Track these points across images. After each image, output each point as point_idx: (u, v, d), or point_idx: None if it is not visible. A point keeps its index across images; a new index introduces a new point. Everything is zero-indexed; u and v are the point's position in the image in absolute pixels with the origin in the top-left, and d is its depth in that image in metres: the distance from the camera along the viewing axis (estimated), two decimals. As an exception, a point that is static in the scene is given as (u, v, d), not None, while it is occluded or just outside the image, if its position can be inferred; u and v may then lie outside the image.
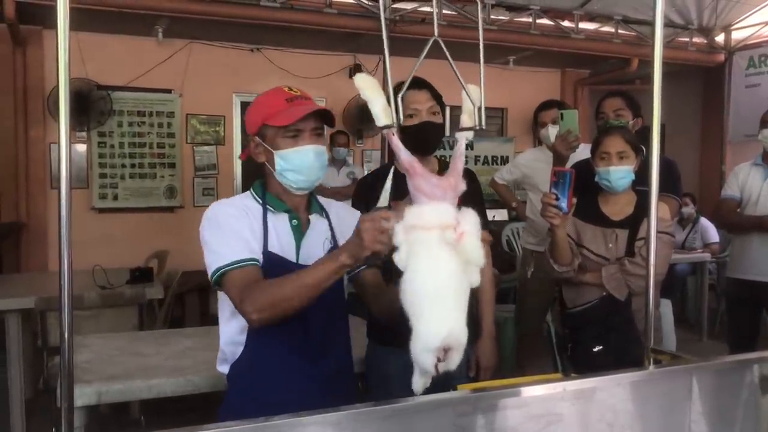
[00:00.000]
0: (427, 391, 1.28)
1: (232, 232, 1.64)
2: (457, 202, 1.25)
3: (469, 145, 7.98)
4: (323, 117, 1.72)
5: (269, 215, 1.72)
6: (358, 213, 1.90)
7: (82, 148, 6.22)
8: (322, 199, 1.86)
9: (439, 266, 1.18)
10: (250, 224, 1.67)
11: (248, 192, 1.79)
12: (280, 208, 1.74)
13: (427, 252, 1.18)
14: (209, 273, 1.64)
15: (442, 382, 2.26)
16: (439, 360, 1.18)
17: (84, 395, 2.12)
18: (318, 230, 1.77)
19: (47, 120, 6.04)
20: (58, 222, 1.21)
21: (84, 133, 6.19)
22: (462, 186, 1.26)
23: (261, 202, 1.74)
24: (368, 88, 1.27)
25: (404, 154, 1.26)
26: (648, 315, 1.62)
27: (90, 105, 6.07)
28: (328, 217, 1.81)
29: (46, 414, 3.64)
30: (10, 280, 4.71)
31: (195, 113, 6.63)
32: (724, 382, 1.44)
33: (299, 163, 1.68)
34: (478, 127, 1.32)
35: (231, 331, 1.73)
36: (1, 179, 6.04)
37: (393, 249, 1.24)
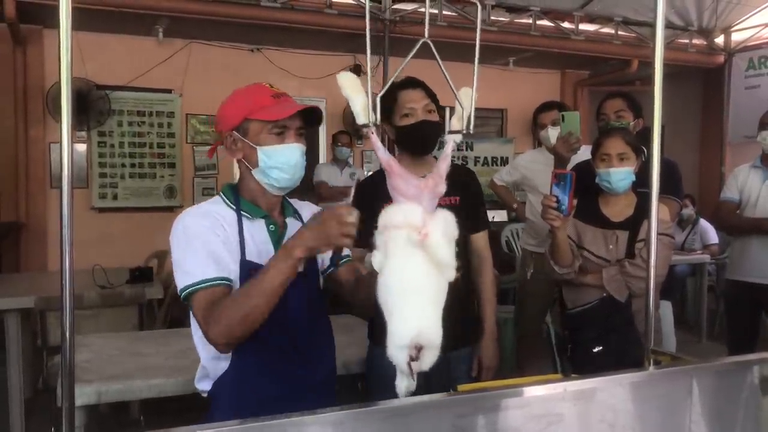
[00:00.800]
0: (428, 391, 1.28)
1: (202, 247, 1.56)
2: (435, 203, 1.25)
3: (469, 146, 7.96)
4: (306, 118, 1.67)
5: (245, 223, 1.64)
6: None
7: (82, 147, 6.21)
8: (293, 201, 1.80)
9: (410, 265, 1.18)
10: (225, 236, 1.59)
11: (217, 197, 1.71)
12: (257, 215, 1.67)
13: (398, 251, 1.19)
14: (178, 290, 1.58)
15: (443, 382, 2.26)
16: (412, 359, 1.17)
17: (84, 395, 2.12)
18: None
19: (47, 119, 6.03)
20: (59, 222, 1.21)
21: (84, 133, 6.18)
22: (442, 188, 1.26)
23: (234, 208, 1.66)
24: (349, 87, 1.27)
25: (382, 153, 1.28)
26: (648, 316, 1.62)
27: (89, 105, 6.06)
28: (301, 219, 1.76)
29: (46, 413, 3.64)
30: (10, 280, 4.71)
31: (195, 113, 6.63)
32: (725, 384, 1.44)
33: (285, 160, 1.62)
34: (465, 132, 1.33)
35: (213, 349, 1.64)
36: (1, 178, 6.04)
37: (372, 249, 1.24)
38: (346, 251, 1.79)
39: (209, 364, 1.68)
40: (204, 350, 1.68)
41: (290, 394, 1.65)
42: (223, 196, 1.70)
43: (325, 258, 1.77)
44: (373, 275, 1.25)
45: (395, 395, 1.26)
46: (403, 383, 1.25)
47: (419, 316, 1.18)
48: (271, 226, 1.68)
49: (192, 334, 1.71)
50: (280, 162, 1.63)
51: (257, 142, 1.62)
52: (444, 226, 1.21)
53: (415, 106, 2.18)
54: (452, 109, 1.35)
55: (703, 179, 8.04)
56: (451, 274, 1.21)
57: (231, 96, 1.70)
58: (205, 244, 1.57)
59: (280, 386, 1.65)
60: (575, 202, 2.35)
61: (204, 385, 1.71)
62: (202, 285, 1.53)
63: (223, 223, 1.62)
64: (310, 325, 1.72)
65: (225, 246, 1.59)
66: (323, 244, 1.37)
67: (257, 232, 1.66)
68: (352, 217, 1.34)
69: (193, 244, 1.57)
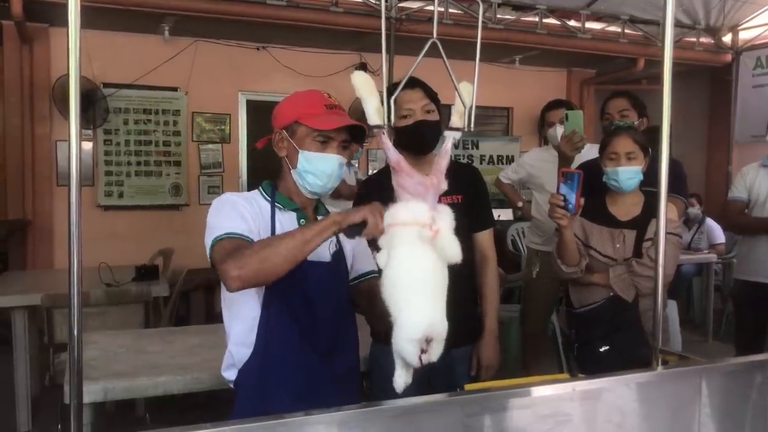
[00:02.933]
0: (431, 388, 1.29)
1: (235, 212, 1.65)
2: (437, 199, 1.29)
3: (475, 145, 7.93)
4: (353, 133, 1.76)
5: (277, 213, 1.74)
6: None
7: (88, 145, 6.21)
8: (328, 206, 1.88)
9: (417, 260, 1.22)
10: (256, 219, 1.67)
11: (256, 191, 1.80)
12: (289, 207, 1.76)
13: (405, 247, 1.23)
14: (207, 252, 1.62)
15: (445, 380, 2.25)
16: (422, 351, 1.21)
17: (90, 392, 2.12)
18: None
19: (54, 117, 6.04)
20: (67, 219, 1.21)
21: (90, 131, 6.19)
22: (444, 185, 1.30)
23: (270, 200, 1.76)
24: (363, 87, 1.30)
25: (392, 153, 1.31)
26: (656, 316, 1.61)
27: (95, 103, 6.08)
28: None
29: (52, 410, 3.65)
30: (17, 277, 4.73)
31: (201, 111, 6.63)
32: (733, 384, 1.43)
33: (322, 168, 1.71)
34: (466, 129, 1.34)
35: (240, 331, 1.71)
36: (7, 176, 6.05)
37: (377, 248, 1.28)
38: (374, 267, 1.85)
39: (236, 350, 1.72)
40: (232, 334, 1.74)
41: (312, 384, 1.69)
42: (261, 190, 1.80)
43: (356, 267, 1.84)
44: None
45: (399, 393, 1.27)
46: (402, 378, 1.29)
47: (430, 310, 1.21)
48: (302, 219, 1.76)
49: (226, 318, 1.77)
50: (317, 168, 1.71)
51: (301, 146, 1.72)
52: (449, 221, 1.26)
53: (413, 107, 2.18)
54: (447, 108, 1.37)
55: (710, 178, 8.01)
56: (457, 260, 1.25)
57: (290, 96, 1.80)
58: (238, 210, 1.66)
59: (303, 376, 1.69)
60: (583, 200, 2.35)
61: (230, 375, 1.75)
62: (229, 235, 1.59)
63: (258, 210, 1.71)
64: (335, 318, 1.76)
65: (254, 223, 1.66)
66: (356, 215, 1.40)
67: (287, 223, 1.73)
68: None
69: (227, 209, 1.66)
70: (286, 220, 1.74)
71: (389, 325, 1.24)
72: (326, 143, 1.71)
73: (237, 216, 1.64)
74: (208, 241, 1.62)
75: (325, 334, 1.72)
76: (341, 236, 1.78)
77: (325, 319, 1.72)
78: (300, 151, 1.71)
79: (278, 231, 1.70)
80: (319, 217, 1.81)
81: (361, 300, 1.86)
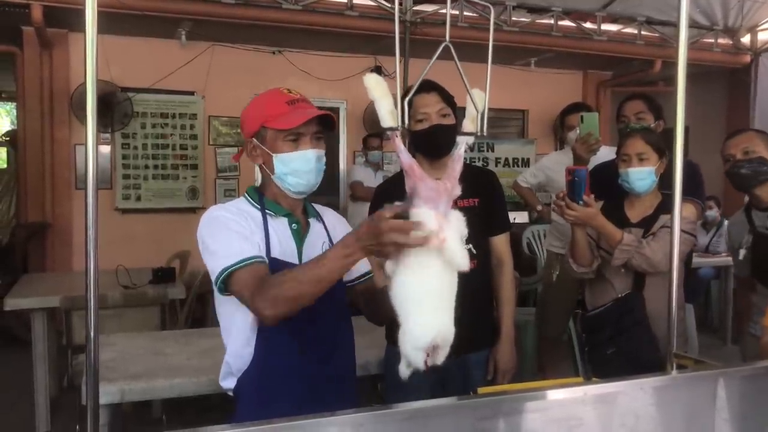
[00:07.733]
0: (446, 392, 1.30)
1: (233, 232, 1.60)
2: (450, 205, 1.28)
3: (490, 147, 7.88)
4: (324, 121, 1.69)
5: (269, 220, 1.69)
6: (344, 220, 1.92)
7: (106, 149, 6.30)
8: (315, 205, 1.84)
9: (424, 269, 1.22)
10: (250, 227, 1.64)
11: (242, 198, 1.76)
12: (280, 213, 1.71)
13: (411, 256, 1.23)
14: (213, 277, 1.58)
15: (461, 384, 2.25)
16: (427, 355, 1.22)
17: (108, 394, 2.15)
18: (316, 233, 1.77)
19: (73, 121, 6.13)
20: (84, 222, 1.23)
21: (108, 135, 6.27)
22: (457, 190, 1.28)
23: (259, 207, 1.71)
24: (376, 89, 1.29)
25: (405, 156, 1.29)
26: (671, 318, 1.60)
27: (113, 107, 6.15)
28: (323, 221, 1.81)
29: (71, 411, 3.69)
30: (36, 280, 4.79)
31: (217, 115, 6.68)
32: (751, 389, 1.42)
33: (299, 166, 1.66)
34: (479, 134, 1.34)
35: (237, 341, 1.68)
36: (27, 180, 6.14)
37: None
38: (369, 267, 1.83)
39: (232, 360, 1.71)
40: (230, 345, 1.71)
41: (312, 388, 1.67)
42: (248, 197, 1.75)
43: (354, 269, 1.78)
44: (388, 289, 1.27)
45: (413, 395, 1.28)
46: (407, 370, 1.29)
47: (437, 319, 1.22)
48: (294, 225, 1.72)
49: (219, 327, 1.74)
50: (294, 168, 1.66)
51: (273, 149, 1.66)
52: (458, 229, 1.25)
53: (428, 111, 2.19)
54: (464, 111, 1.37)
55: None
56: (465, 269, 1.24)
57: (251, 103, 1.74)
58: (235, 229, 1.61)
59: (303, 381, 1.67)
60: (592, 197, 2.35)
61: (228, 383, 1.73)
62: (242, 263, 1.55)
63: (249, 220, 1.66)
64: (332, 322, 1.74)
65: (252, 235, 1.63)
66: (377, 251, 1.31)
67: (281, 230, 1.70)
68: (408, 236, 1.23)
69: (224, 231, 1.61)
70: (279, 227, 1.69)
71: (392, 323, 1.25)
72: (298, 140, 1.65)
73: (237, 236, 1.59)
74: (216, 268, 1.57)
75: (323, 337, 1.70)
76: (333, 237, 1.76)
77: (324, 323, 1.69)
78: (274, 155, 1.65)
79: (272, 239, 1.66)
80: (310, 220, 1.77)
81: (358, 300, 1.83)
